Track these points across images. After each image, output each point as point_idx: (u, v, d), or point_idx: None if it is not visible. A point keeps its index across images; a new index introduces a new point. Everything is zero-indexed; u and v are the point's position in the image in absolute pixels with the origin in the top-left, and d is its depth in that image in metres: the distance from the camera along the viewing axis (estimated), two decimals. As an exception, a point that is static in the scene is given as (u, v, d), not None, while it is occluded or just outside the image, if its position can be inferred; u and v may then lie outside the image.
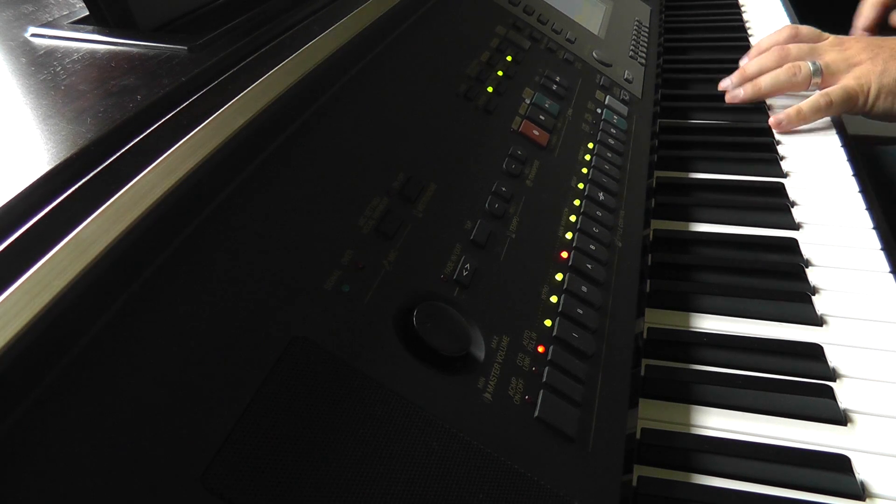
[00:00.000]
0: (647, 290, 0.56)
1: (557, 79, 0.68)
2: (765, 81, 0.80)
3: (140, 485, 0.25)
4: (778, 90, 0.80)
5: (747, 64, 0.84)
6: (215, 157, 0.36)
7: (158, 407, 0.27)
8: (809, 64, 0.78)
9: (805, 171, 0.70)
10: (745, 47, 0.98)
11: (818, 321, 0.52)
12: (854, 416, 0.45)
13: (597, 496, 0.36)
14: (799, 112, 0.76)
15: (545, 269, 0.47)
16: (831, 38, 0.82)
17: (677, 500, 0.40)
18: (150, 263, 0.31)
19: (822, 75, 0.77)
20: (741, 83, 0.83)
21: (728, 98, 0.82)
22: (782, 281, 0.56)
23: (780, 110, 0.78)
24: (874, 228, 0.61)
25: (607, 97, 0.72)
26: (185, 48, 0.45)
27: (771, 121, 0.77)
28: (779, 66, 0.80)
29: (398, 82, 0.53)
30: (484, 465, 0.33)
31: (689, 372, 0.49)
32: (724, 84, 0.85)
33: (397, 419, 0.33)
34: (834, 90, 0.75)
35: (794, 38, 0.84)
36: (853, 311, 0.53)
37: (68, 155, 0.34)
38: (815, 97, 0.75)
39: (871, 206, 0.64)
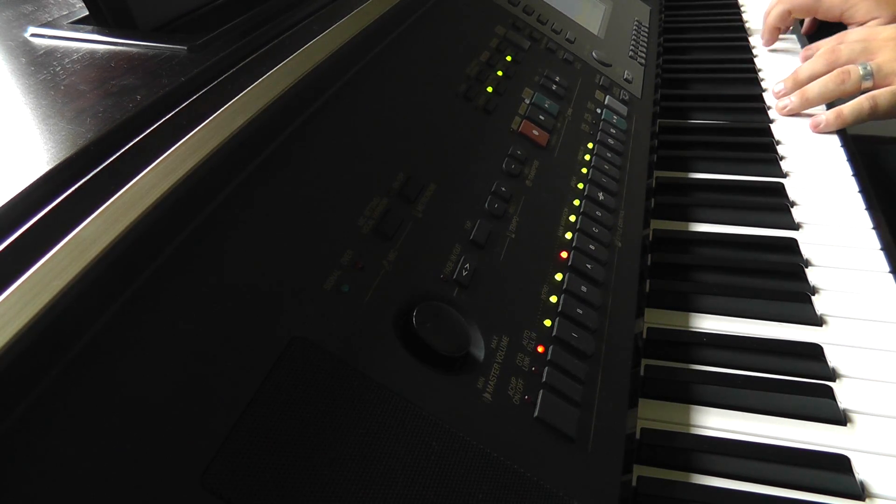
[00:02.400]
0: (647, 290, 0.56)
1: (557, 79, 0.68)
2: (812, 91, 0.76)
3: (140, 485, 0.25)
4: (827, 99, 0.76)
5: (799, 68, 0.80)
6: (215, 158, 0.36)
7: (158, 407, 0.27)
8: (860, 67, 0.73)
9: (805, 171, 0.70)
10: (744, 47, 0.98)
11: (818, 321, 0.52)
12: (854, 416, 0.45)
13: (596, 496, 0.36)
14: (839, 115, 0.73)
15: (545, 269, 0.47)
16: (888, 30, 0.76)
17: (677, 500, 0.40)
18: (150, 264, 0.31)
19: (872, 78, 0.72)
20: (794, 89, 0.80)
21: (777, 108, 0.80)
22: (782, 281, 0.56)
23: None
24: (874, 228, 0.61)
25: (607, 97, 0.72)
26: (185, 48, 0.45)
27: (810, 123, 0.75)
28: (829, 69, 0.76)
29: (398, 82, 0.53)
30: (483, 465, 0.33)
31: (689, 372, 0.49)
32: (776, 89, 0.82)
33: (397, 419, 0.33)
34: (882, 94, 0.71)
35: (842, 41, 0.78)
36: (853, 311, 0.53)
37: (68, 155, 0.34)
38: (860, 101, 0.72)
39: (871, 206, 0.64)
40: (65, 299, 0.27)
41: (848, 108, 0.72)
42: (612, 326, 0.47)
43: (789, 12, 0.94)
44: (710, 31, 1.05)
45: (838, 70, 0.75)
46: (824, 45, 0.81)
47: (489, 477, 0.33)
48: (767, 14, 0.96)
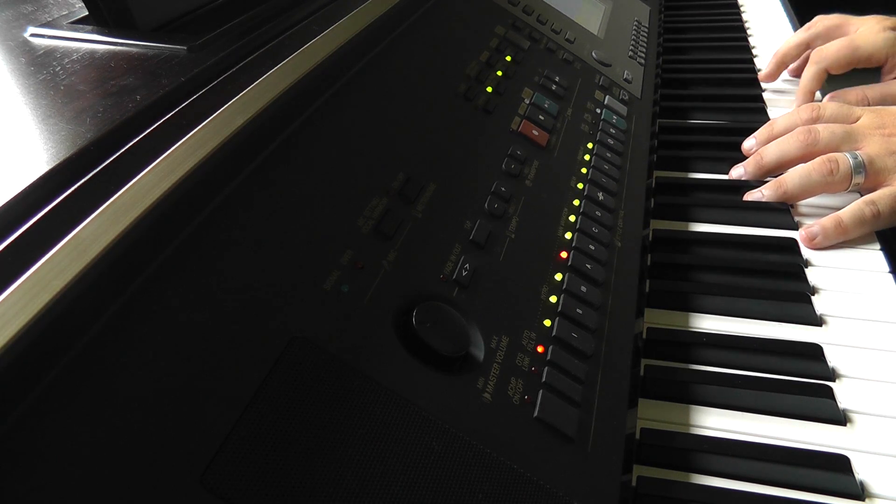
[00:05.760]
0: (647, 290, 0.56)
1: (557, 79, 0.68)
2: (792, 183, 0.61)
3: (140, 485, 0.25)
4: (809, 194, 0.61)
5: (764, 150, 0.66)
6: (215, 158, 0.36)
7: (158, 407, 0.27)
8: (849, 157, 0.60)
9: (804, 171, 0.70)
10: (744, 47, 0.98)
11: (818, 321, 0.52)
12: (854, 416, 0.45)
13: (596, 496, 0.36)
14: (839, 224, 0.58)
15: (544, 269, 0.47)
16: (867, 114, 0.63)
17: (677, 500, 0.40)
18: (150, 264, 0.31)
19: (864, 172, 0.59)
20: (758, 174, 0.66)
21: (747, 197, 0.64)
22: (782, 281, 0.56)
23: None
24: (874, 228, 0.61)
25: (607, 97, 0.72)
26: (185, 48, 0.45)
27: (801, 236, 0.60)
28: (804, 153, 0.62)
29: (398, 82, 0.53)
30: (483, 465, 0.33)
31: (689, 372, 0.49)
32: (737, 173, 0.68)
33: (397, 419, 0.33)
34: (882, 197, 0.58)
35: (818, 120, 0.65)
36: (853, 311, 0.53)
37: (68, 155, 0.34)
38: (859, 206, 0.58)
39: (871, 206, 0.64)
40: (65, 299, 0.27)
41: (847, 215, 0.58)
42: (611, 326, 0.47)
43: (825, 71, 0.79)
44: (710, 31, 1.05)
45: (824, 159, 0.60)
46: (784, 124, 0.67)
47: (489, 477, 0.33)
48: (803, 78, 0.81)
